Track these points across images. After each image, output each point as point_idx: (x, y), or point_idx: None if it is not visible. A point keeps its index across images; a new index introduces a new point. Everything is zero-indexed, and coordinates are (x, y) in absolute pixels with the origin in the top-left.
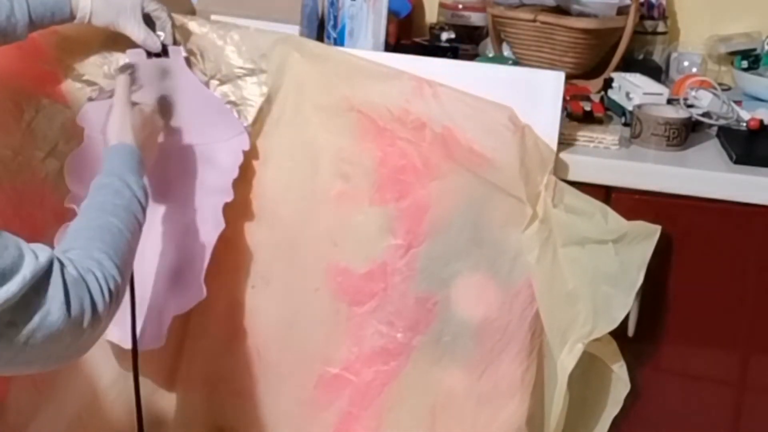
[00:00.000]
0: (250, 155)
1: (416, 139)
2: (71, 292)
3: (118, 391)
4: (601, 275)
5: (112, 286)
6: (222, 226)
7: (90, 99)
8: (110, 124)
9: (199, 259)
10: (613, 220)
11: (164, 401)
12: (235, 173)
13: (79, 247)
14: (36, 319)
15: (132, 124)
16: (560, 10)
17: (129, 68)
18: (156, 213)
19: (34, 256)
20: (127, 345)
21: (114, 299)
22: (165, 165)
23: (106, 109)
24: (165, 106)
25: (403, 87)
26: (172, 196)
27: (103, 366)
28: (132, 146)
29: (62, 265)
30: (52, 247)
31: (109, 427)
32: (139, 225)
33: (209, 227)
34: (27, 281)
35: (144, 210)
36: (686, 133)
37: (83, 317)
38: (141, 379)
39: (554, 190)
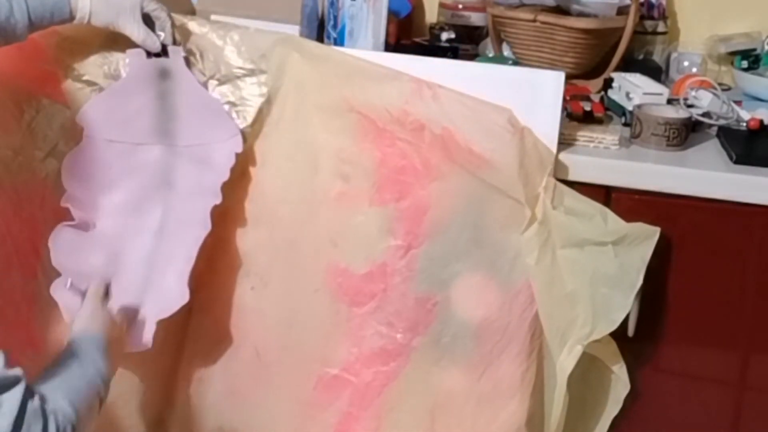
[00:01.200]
0: (250, 156)
1: (416, 140)
2: (25, 420)
3: (118, 391)
4: (600, 277)
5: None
6: (208, 229)
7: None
8: (79, 319)
9: (183, 262)
10: (612, 221)
11: (164, 401)
12: (226, 176)
13: (50, 388)
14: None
15: (102, 321)
16: (560, 10)
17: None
18: (145, 215)
19: (2, 364)
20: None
21: None
22: (157, 165)
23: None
24: (163, 106)
25: (403, 88)
26: (162, 199)
27: None
28: (99, 334)
29: (28, 392)
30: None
31: (109, 427)
32: (99, 401)
33: (196, 230)
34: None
35: (101, 398)
36: (686, 133)
37: None
38: (141, 380)
39: (553, 191)
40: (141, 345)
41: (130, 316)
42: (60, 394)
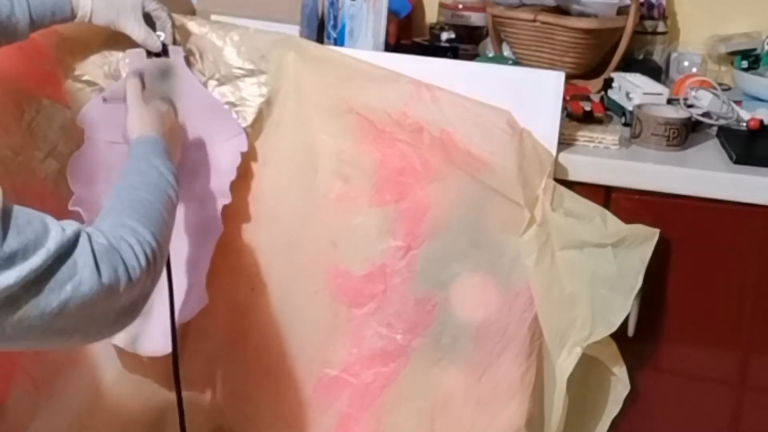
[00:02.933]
0: (250, 156)
1: (415, 141)
2: (102, 260)
3: (118, 392)
4: (599, 279)
5: (147, 251)
6: (221, 229)
7: (104, 100)
8: (129, 124)
9: (200, 265)
10: (612, 223)
11: (165, 402)
12: (233, 175)
13: (110, 220)
14: (68, 288)
15: (150, 120)
16: (560, 10)
17: (138, 72)
18: None
19: (60, 230)
20: (131, 348)
21: (152, 265)
22: None
23: (115, 106)
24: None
25: (401, 90)
26: None
27: (103, 367)
28: (155, 136)
29: (90, 236)
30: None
31: (110, 428)
32: (172, 202)
33: (209, 232)
34: (51, 253)
35: (175, 190)
36: (686, 133)
37: (118, 284)
38: (141, 379)
39: (553, 193)
40: (159, 350)
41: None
42: (127, 215)
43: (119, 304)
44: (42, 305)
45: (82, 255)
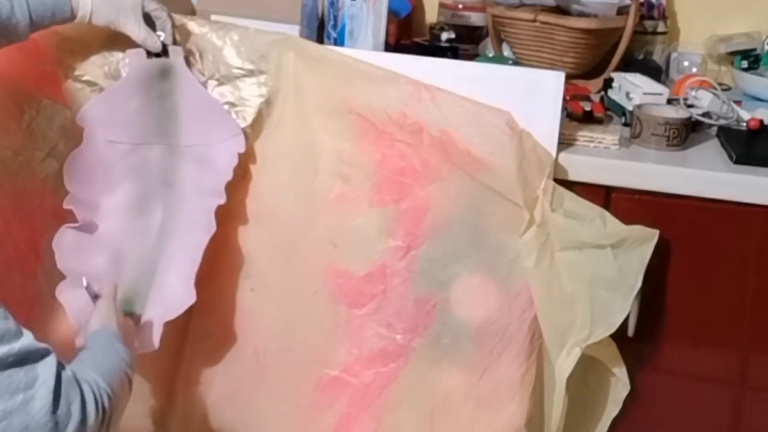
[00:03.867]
0: (249, 157)
1: (415, 141)
2: (62, 388)
3: None
4: (599, 279)
5: (105, 403)
6: (213, 229)
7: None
8: (95, 315)
9: (190, 262)
10: (611, 224)
11: (164, 403)
12: (230, 176)
13: (77, 368)
14: (18, 399)
15: (117, 322)
16: (560, 10)
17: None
18: (147, 215)
19: (32, 338)
20: None
21: (105, 417)
22: (158, 166)
23: (113, 101)
24: (164, 106)
25: (401, 91)
26: (164, 199)
27: None
28: (115, 329)
29: (60, 363)
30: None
31: None
32: (128, 379)
33: (201, 230)
34: (13, 352)
35: (131, 371)
36: (686, 133)
37: (69, 421)
38: (141, 380)
39: (552, 194)
40: (148, 346)
41: (136, 318)
42: (90, 370)
43: None
44: None
45: (45, 371)
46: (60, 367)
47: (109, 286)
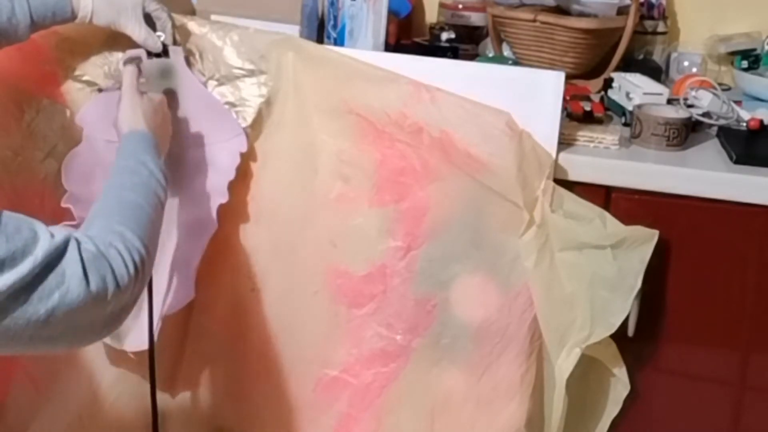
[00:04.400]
0: (249, 157)
1: (414, 142)
2: (91, 269)
3: (118, 392)
4: (599, 280)
5: (136, 258)
6: (215, 227)
7: (99, 90)
8: (121, 114)
9: (191, 260)
10: (611, 225)
11: (164, 402)
12: (232, 175)
13: (99, 225)
14: (55, 296)
15: (143, 112)
16: (560, 10)
17: (135, 59)
18: None
19: (49, 237)
20: (117, 345)
21: (140, 271)
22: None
23: (113, 102)
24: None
25: (401, 91)
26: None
27: (103, 367)
28: (145, 131)
29: (79, 243)
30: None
31: (109, 427)
32: (161, 202)
33: (203, 228)
34: (38, 262)
35: (164, 189)
36: (686, 133)
37: (106, 291)
38: (141, 380)
39: (552, 195)
40: (145, 342)
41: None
42: (116, 223)
43: (107, 311)
44: (29, 313)
45: (70, 263)
46: (81, 251)
47: (129, 76)
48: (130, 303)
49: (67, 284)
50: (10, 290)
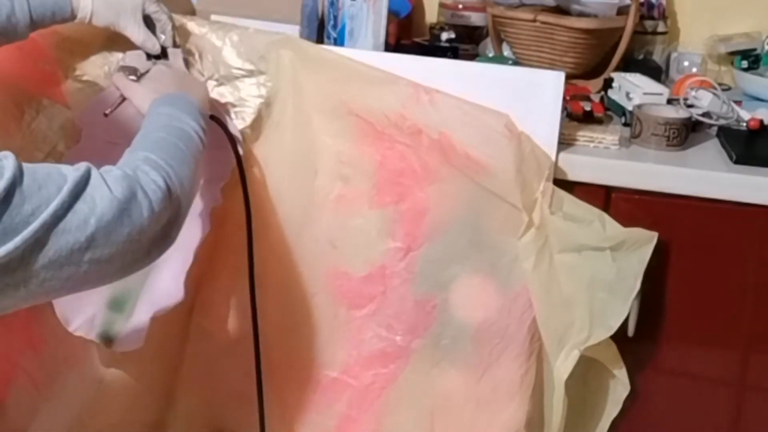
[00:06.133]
0: (249, 157)
1: (414, 143)
2: (116, 188)
3: (118, 392)
4: (598, 282)
5: (163, 174)
6: (207, 229)
7: (105, 115)
8: (136, 102)
9: (181, 260)
10: (611, 227)
11: (165, 402)
12: (226, 178)
13: (123, 160)
14: (92, 221)
15: (154, 87)
16: (560, 10)
17: (122, 65)
18: None
19: (70, 170)
20: (89, 335)
21: (171, 188)
22: None
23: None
24: None
25: (400, 93)
26: None
27: (103, 367)
28: (166, 96)
29: (101, 172)
30: None
31: (110, 428)
32: (195, 144)
33: (194, 230)
34: (65, 195)
35: (203, 133)
36: (686, 133)
37: (140, 207)
38: (141, 380)
39: (551, 197)
40: (133, 343)
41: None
42: (142, 152)
43: (148, 229)
44: (71, 242)
45: (97, 188)
46: (104, 177)
47: (121, 78)
48: (169, 222)
49: (99, 206)
50: (47, 225)
